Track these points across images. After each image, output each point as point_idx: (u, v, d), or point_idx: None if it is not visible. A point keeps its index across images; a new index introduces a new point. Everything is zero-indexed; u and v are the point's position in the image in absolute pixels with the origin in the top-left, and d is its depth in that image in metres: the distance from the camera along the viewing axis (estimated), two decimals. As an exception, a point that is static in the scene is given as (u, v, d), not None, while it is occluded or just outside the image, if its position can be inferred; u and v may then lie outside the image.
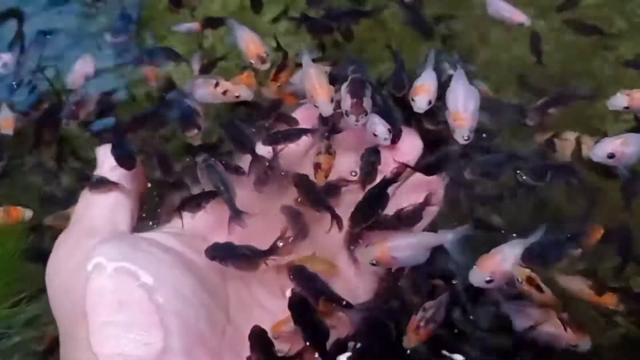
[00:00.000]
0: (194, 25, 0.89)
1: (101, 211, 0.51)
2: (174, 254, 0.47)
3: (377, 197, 0.54)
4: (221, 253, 0.49)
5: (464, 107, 0.59)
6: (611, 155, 0.58)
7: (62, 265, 0.47)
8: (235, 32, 0.70)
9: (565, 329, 0.54)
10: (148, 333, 0.41)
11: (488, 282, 0.51)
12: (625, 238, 0.63)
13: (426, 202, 0.55)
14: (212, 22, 0.88)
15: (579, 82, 0.78)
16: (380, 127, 0.57)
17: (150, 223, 0.59)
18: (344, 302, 0.50)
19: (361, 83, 0.58)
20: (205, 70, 0.84)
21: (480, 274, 0.51)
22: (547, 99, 0.68)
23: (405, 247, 0.52)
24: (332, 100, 0.57)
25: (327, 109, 0.57)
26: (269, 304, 0.51)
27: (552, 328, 0.54)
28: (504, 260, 0.51)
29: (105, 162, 0.54)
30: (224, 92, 0.63)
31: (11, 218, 0.69)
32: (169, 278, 0.45)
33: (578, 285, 0.60)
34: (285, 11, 0.93)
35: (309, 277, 0.51)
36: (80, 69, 0.86)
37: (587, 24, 0.86)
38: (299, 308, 0.49)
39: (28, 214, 0.69)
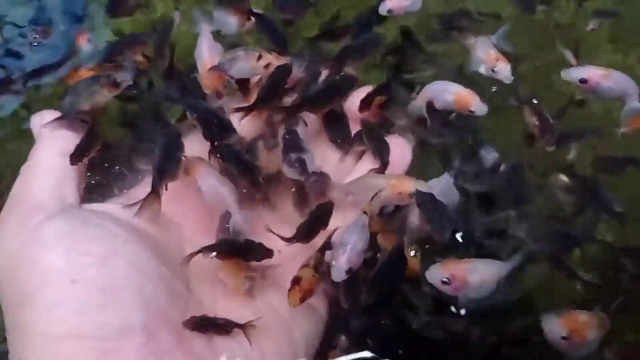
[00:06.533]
0: None
1: (46, 184, 0.46)
2: (128, 227, 0.45)
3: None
4: None
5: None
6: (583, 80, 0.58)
7: (5, 246, 0.42)
8: (200, 37, 0.58)
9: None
10: (104, 311, 0.39)
11: (443, 283, 0.49)
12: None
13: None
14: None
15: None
16: (340, 262, 0.46)
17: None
18: None
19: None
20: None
21: (439, 272, 0.50)
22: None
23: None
24: None
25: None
26: None
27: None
28: (471, 271, 0.50)
29: (45, 132, 0.49)
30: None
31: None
32: (123, 252, 0.42)
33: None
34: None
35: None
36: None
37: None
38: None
39: None
